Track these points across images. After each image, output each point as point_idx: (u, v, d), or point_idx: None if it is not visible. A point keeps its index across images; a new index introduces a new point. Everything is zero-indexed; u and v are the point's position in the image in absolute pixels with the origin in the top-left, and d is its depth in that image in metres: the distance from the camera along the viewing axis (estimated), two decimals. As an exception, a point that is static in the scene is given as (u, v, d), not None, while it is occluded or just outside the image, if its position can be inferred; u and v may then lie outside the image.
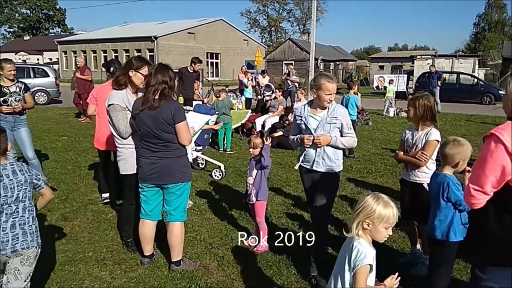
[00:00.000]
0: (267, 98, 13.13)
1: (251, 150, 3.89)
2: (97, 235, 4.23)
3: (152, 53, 35.91)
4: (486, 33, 56.91)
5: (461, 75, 22.09)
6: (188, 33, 38.87)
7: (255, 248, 3.90)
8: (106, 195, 5.12)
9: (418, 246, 3.67)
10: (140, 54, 35.80)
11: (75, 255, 3.79)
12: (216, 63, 42.55)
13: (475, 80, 21.95)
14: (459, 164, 2.65)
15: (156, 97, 3.16)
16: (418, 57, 27.94)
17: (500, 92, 20.10)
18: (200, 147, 6.74)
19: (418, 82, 21.45)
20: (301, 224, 4.61)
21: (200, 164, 6.99)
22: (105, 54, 40.50)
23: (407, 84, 23.67)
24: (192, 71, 9.87)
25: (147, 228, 3.49)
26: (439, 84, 16.49)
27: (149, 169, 3.26)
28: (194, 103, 9.11)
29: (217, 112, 7.79)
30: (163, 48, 35.61)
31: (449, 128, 11.68)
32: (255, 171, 3.92)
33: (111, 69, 4.65)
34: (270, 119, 10.07)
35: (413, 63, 27.80)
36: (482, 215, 1.97)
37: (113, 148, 3.85)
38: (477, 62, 28.00)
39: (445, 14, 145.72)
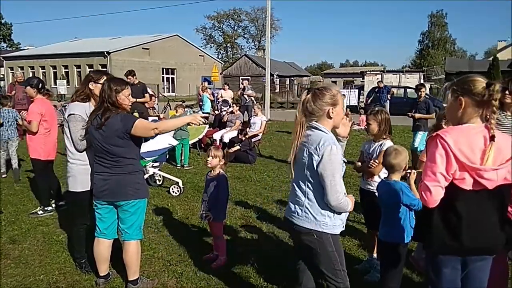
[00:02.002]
0: (225, 113, 13.21)
1: (209, 159, 3.84)
2: (48, 257, 4.04)
3: (105, 69, 34.98)
4: (430, 49, 60.49)
5: (408, 89, 23.31)
6: (143, 48, 38.39)
7: (214, 263, 3.88)
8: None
9: (375, 255, 3.81)
10: (92, 69, 34.82)
11: (25, 279, 3.60)
12: (172, 78, 42.23)
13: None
14: (406, 169, 2.86)
15: (101, 112, 3.09)
16: (368, 72, 29.29)
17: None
18: (157, 163, 6.65)
19: (368, 97, 22.41)
20: (260, 238, 4.65)
21: (157, 181, 6.88)
22: (55, 70, 39.12)
23: (358, 98, 24.69)
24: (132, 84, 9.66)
25: (102, 247, 3.39)
26: (389, 98, 17.41)
27: (101, 186, 3.18)
28: (150, 118, 8.99)
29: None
30: (116, 64, 34.85)
31: (398, 140, 12.26)
32: (211, 188, 3.88)
33: (35, 82, 5.17)
34: (228, 134, 10.12)
35: (363, 78, 29.08)
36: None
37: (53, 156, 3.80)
38: (422, 77, 29.74)
39: (392, 32, 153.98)
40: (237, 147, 9.07)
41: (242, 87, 15.68)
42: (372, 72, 30.20)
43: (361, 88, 27.43)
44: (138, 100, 8.68)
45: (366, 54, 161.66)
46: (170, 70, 41.72)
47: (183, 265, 3.89)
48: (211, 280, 3.60)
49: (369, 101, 17.09)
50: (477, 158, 2.02)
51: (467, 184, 2.03)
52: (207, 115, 12.10)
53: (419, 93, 8.25)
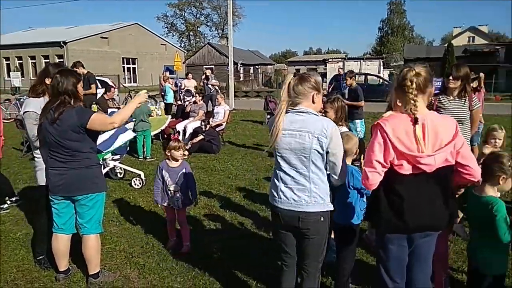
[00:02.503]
0: (188, 103, 13.09)
1: (173, 152, 3.97)
2: (6, 256, 3.94)
3: (61, 60, 33.66)
4: (390, 36, 62.02)
5: (368, 76, 23.94)
6: (101, 37, 37.13)
7: (183, 249, 3.99)
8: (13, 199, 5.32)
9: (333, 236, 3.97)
10: (48, 60, 33.41)
11: (-21, 279, 3.50)
12: (133, 68, 41.19)
13: (381, 80, 23.90)
14: (357, 153, 3.01)
15: (55, 106, 3.03)
16: (330, 60, 29.78)
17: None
18: (118, 156, 6.55)
19: (330, 84, 22.85)
20: (224, 226, 4.72)
21: (118, 174, 6.78)
22: (8, 62, 37.21)
23: (322, 86, 25.06)
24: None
25: (61, 242, 3.34)
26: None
27: (57, 181, 3.13)
28: (110, 110, 8.80)
29: (134, 119, 7.61)
30: (73, 54, 33.49)
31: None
32: (180, 177, 3.97)
33: None
34: (191, 124, 10.06)
35: (326, 66, 29.53)
36: (376, 197, 2.31)
37: None
38: (382, 64, 30.61)
39: (354, 19, 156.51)
40: (201, 137, 9.05)
41: (205, 76, 15.54)
42: (334, 60, 30.78)
43: (323, 75, 27.86)
44: (85, 92, 8.43)
45: (330, 41, 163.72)
46: (131, 59, 40.64)
47: (145, 257, 3.90)
48: (173, 269, 3.64)
49: (331, 88, 17.44)
50: (414, 145, 2.15)
51: (406, 169, 2.17)
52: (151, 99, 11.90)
53: (348, 80, 8.05)
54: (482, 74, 6.39)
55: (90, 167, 3.17)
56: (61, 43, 33.89)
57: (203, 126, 9.54)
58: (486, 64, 32.67)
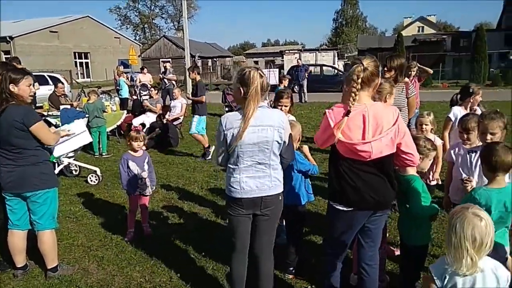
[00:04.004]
0: (144, 97, 12.95)
1: (135, 143, 4.17)
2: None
3: (8, 55, 31.96)
4: (344, 27, 63.54)
5: (324, 67, 24.55)
6: (50, 31, 35.53)
7: (148, 232, 4.31)
8: None
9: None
10: (-7, 56, 31.57)
11: None
12: (86, 63, 39.76)
13: (336, 71, 24.57)
14: (299, 140, 3.25)
15: None
16: (286, 51, 30.17)
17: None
18: (72, 153, 6.48)
19: (288, 75, 23.25)
20: (182, 217, 4.85)
21: (73, 171, 6.71)
22: None
23: (279, 77, 25.47)
24: None
25: (17, 239, 3.36)
26: (307, 76, 18.33)
27: (7, 178, 3.17)
28: (62, 107, 8.61)
29: (87, 116, 7.51)
30: (22, 49, 31.90)
31: (314, 116, 13.01)
32: (146, 166, 4.22)
33: None
34: (148, 119, 10.03)
35: (283, 57, 29.92)
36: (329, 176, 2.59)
37: None
38: (336, 55, 31.39)
39: (310, 11, 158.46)
40: (158, 131, 9.06)
41: (164, 70, 15.38)
42: (290, 51, 31.17)
43: (281, 67, 28.24)
44: None
45: (287, 33, 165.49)
46: (83, 54, 39.18)
47: (104, 249, 3.98)
48: (132, 259, 3.76)
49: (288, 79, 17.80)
50: (353, 135, 2.37)
51: (349, 154, 2.40)
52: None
53: (191, 74, 7.71)
54: (414, 63, 6.82)
55: (37, 164, 3.20)
56: (7, 38, 32.12)
57: (159, 121, 9.52)
58: (434, 53, 34.37)
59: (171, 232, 4.37)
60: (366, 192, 2.43)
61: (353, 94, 2.39)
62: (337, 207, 2.52)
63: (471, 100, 4.58)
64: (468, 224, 1.81)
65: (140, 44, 49.21)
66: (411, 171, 2.74)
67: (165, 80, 15.04)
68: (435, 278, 1.94)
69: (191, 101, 7.81)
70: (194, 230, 4.40)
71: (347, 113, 2.37)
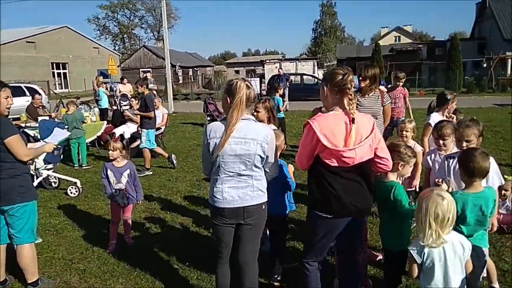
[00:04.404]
0: (124, 107, 12.83)
1: (110, 152, 4.10)
2: None
3: (-17, 66, 31.20)
4: (323, 37, 64.49)
5: (304, 76, 24.86)
6: (27, 42, 34.94)
7: (129, 243, 4.26)
8: None
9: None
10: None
11: None
12: (64, 73, 39.17)
13: (316, 80, 24.89)
14: (283, 150, 3.30)
15: None
16: (267, 61, 30.44)
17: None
18: (51, 165, 6.36)
19: (269, 84, 23.42)
20: (165, 228, 4.82)
21: (52, 183, 6.58)
22: None
23: (260, 86, 25.63)
24: None
25: (-5, 253, 3.29)
26: (288, 85, 18.53)
27: None
28: (40, 118, 8.47)
29: (66, 127, 7.40)
30: (-3, 60, 31.26)
31: (295, 124, 13.16)
32: (124, 178, 4.13)
33: None
34: (129, 129, 9.93)
35: (263, 67, 30.16)
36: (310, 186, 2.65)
37: None
38: (316, 64, 31.86)
39: (290, 20, 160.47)
40: (139, 142, 8.96)
41: (143, 80, 15.26)
42: (271, 61, 31.46)
43: (262, 76, 28.45)
44: None
45: (267, 42, 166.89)
46: (61, 64, 38.62)
47: (86, 262, 3.92)
48: (115, 271, 3.71)
49: (269, 88, 17.97)
50: (338, 141, 2.44)
51: (333, 161, 2.47)
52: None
53: (140, 89, 7.63)
54: (403, 74, 7.00)
55: (15, 177, 3.14)
56: (-18, 48, 31.42)
57: (141, 132, 9.43)
58: (411, 62, 35.22)
59: (154, 242, 4.33)
60: (348, 200, 2.51)
61: (351, 102, 2.49)
62: (318, 213, 2.58)
63: (448, 107, 4.72)
64: (432, 203, 2.15)
65: (120, 54, 48.84)
66: (392, 177, 2.80)
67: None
68: (414, 255, 2.24)
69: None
70: (177, 240, 4.38)
71: (352, 120, 2.45)
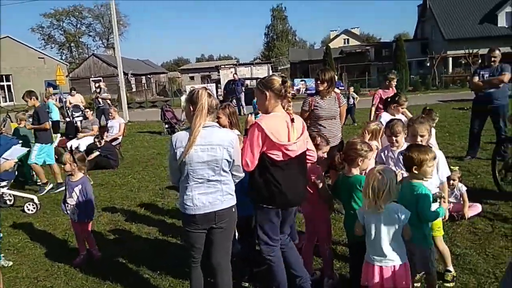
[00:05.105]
0: (77, 119, 12.47)
1: (63, 166, 4.10)
2: None
3: None
4: (275, 41, 65.54)
5: (259, 80, 25.13)
6: (-34, 54, 32.83)
7: (96, 257, 4.17)
8: None
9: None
10: None
11: None
12: (8, 86, 37.10)
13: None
14: None
15: None
16: (222, 66, 30.53)
17: (292, 92, 24.28)
18: (5, 182, 6.09)
19: (225, 90, 23.52)
20: (130, 239, 4.77)
21: (7, 201, 6.30)
22: None
23: (217, 92, 25.69)
24: None
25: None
26: (243, 89, 18.76)
27: None
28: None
29: (20, 142, 7.10)
30: None
31: (254, 128, 13.31)
32: (75, 193, 4.02)
33: None
34: (84, 141, 9.68)
35: (219, 72, 30.22)
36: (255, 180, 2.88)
37: None
38: (270, 68, 32.32)
39: (243, 25, 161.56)
40: (97, 153, 8.77)
41: (99, 90, 14.87)
42: (226, 66, 31.59)
43: (218, 81, 28.50)
44: None
45: (221, 48, 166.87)
46: (4, 76, 36.56)
47: (52, 279, 3.82)
48: (84, 286, 3.65)
49: (225, 93, 18.09)
50: (282, 137, 2.77)
51: (279, 156, 2.78)
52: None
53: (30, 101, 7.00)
54: (395, 74, 6.90)
55: None
56: None
57: (97, 142, 9.23)
58: (360, 63, 36.69)
59: (122, 254, 4.28)
60: (290, 193, 2.85)
61: (290, 104, 2.94)
62: (266, 207, 2.86)
63: (398, 108, 5.04)
64: (371, 177, 2.57)
65: (67, 64, 47.03)
66: (355, 172, 3.03)
67: (99, 99, 14.57)
68: (359, 218, 2.70)
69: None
70: (145, 250, 4.35)
71: (292, 120, 2.85)
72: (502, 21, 33.28)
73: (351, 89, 15.13)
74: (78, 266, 4.01)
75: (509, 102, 6.56)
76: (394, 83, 6.65)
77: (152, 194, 6.59)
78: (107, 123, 11.06)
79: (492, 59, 6.30)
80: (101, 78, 31.49)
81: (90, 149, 9.14)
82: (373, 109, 6.36)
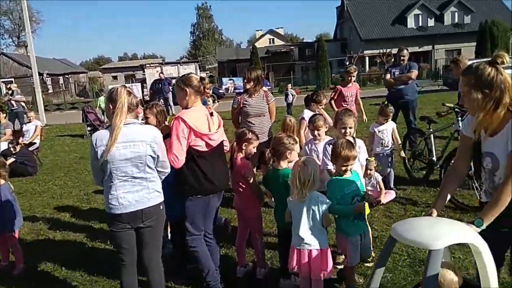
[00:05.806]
0: (-13, 124, 11.37)
1: None
2: None
3: None
4: (202, 40, 65.18)
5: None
6: None
7: (16, 272, 3.93)
8: None
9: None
10: None
11: None
12: None
13: (199, 82, 25.11)
14: None
15: None
16: (147, 65, 29.66)
17: (220, 91, 24.48)
18: None
19: (152, 89, 22.90)
20: (55, 246, 4.56)
21: None
22: None
23: (142, 92, 24.93)
24: None
25: None
26: (171, 89, 18.38)
27: None
28: None
29: None
30: None
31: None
32: None
33: None
34: (-3, 147, 8.89)
35: (144, 71, 29.33)
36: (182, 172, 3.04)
37: None
38: (198, 67, 32.11)
39: (167, 23, 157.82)
40: (12, 160, 8.11)
41: (10, 92, 13.64)
42: (152, 65, 30.71)
43: (143, 81, 27.66)
44: None
45: (144, 46, 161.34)
46: None
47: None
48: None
49: (151, 93, 17.62)
50: (204, 127, 3.02)
51: (203, 147, 3.01)
52: None
53: None
54: (353, 67, 6.96)
55: None
56: None
57: (12, 148, 8.54)
58: (285, 63, 37.83)
59: (47, 262, 4.07)
60: (216, 180, 3.09)
61: (209, 100, 3.03)
62: (195, 196, 3.04)
63: (317, 105, 5.36)
64: (297, 168, 2.82)
65: (-29, 63, 42.50)
66: (284, 165, 3.22)
67: (13, 102, 13.40)
68: (289, 205, 2.94)
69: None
70: (72, 257, 4.17)
71: (211, 114, 3.15)
72: (411, 23, 36.40)
73: (289, 86, 15.85)
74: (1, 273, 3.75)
75: (417, 97, 7.23)
76: (353, 76, 6.69)
77: (77, 200, 6.29)
78: (21, 127, 10.28)
79: (401, 58, 6.90)
80: (12, 80, 28.99)
81: (4, 155, 8.40)
82: (332, 102, 6.59)
